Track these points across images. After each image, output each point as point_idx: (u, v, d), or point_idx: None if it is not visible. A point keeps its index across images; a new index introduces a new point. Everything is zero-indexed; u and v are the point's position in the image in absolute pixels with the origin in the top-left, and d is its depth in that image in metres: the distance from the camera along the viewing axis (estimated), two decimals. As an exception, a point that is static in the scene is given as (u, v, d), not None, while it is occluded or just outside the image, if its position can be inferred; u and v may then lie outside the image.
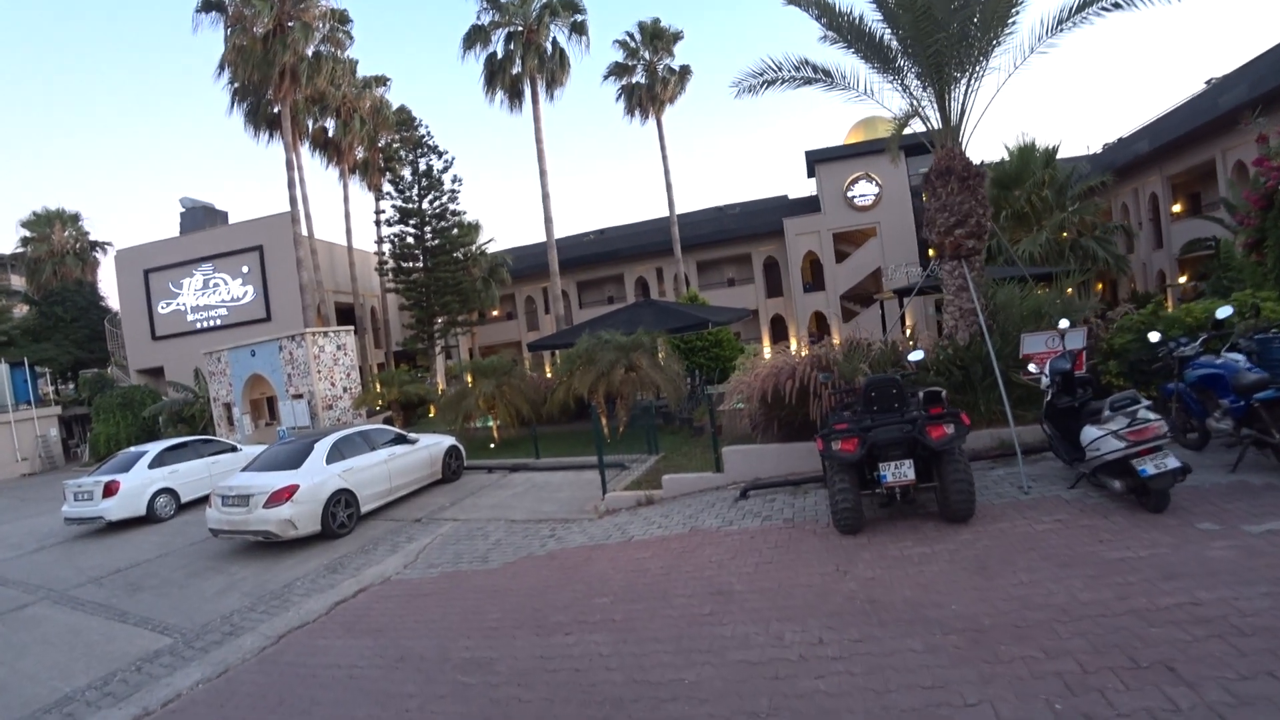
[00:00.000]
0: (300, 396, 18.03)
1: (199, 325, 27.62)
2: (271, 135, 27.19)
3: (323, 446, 9.64)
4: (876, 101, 9.36)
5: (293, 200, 24.35)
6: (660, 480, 8.42)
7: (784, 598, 4.66)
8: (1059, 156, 23.20)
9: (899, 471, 5.38)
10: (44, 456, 25.79)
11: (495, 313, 36.22)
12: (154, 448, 12.93)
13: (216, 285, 27.57)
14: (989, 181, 23.56)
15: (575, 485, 10.49)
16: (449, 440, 12.42)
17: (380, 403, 18.98)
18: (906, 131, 10.51)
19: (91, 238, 35.15)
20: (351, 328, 20.06)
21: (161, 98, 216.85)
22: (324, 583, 7.41)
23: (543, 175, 24.36)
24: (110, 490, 11.74)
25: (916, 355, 6.98)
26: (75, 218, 34.32)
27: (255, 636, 6.09)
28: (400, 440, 11.25)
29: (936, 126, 8.84)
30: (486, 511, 9.65)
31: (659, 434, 11.73)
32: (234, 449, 13.99)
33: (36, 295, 32.95)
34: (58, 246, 33.32)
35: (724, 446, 8.19)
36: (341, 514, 9.29)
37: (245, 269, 27.10)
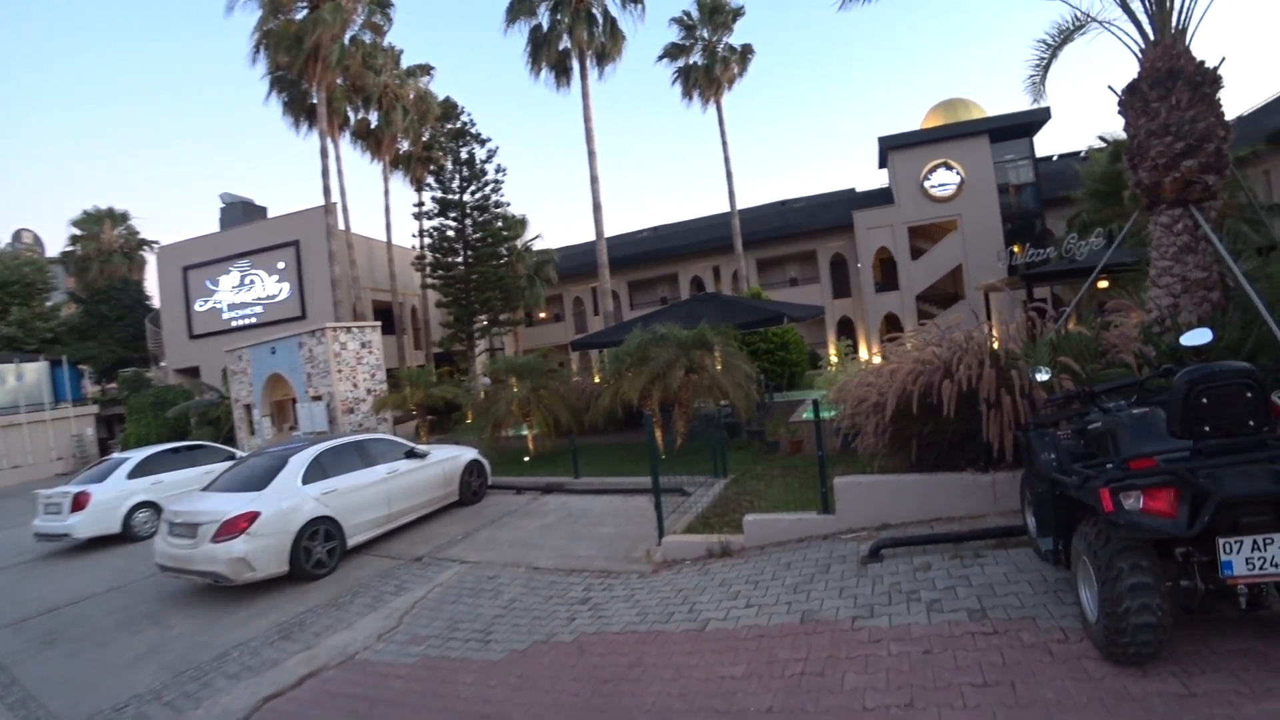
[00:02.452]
0: (319, 398, 16.29)
1: (234, 324, 26.52)
2: (311, 126, 25.93)
3: (298, 462, 7.56)
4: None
5: (326, 190, 22.94)
6: (739, 519, 5.97)
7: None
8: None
9: (1265, 555, 2.71)
10: (78, 456, 25.08)
11: (542, 315, 34.45)
12: (137, 455, 11.23)
13: (252, 282, 26.47)
14: (1095, 171, 20.11)
15: (621, 516, 8.18)
16: (470, 454, 10.29)
17: (412, 406, 17.14)
18: (995, 112, 7.85)
19: (141, 236, 34.95)
20: (378, 323, 18.28)
21: (206, 94, 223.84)
22: (267, 656, 5.30)
23: (591, 156, 22.18)
24: (79, 503, 10.03)
25: (1201, 336, 3.67)
26: (124, 216, 34.18)
27: (129, 760, 4.03)
28: (410, 454, 9.16)
29: (1142, 15, 6.16)
30: (505, 551, 7.42)
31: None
32: (232, 457, 12.20)
33: (83, 294, 32.78)
34: (106, 245, 33.13)
35: (835, 476, 5.66)
36: (319, 550, 7.19)
37: (281, 265, 25.89)
